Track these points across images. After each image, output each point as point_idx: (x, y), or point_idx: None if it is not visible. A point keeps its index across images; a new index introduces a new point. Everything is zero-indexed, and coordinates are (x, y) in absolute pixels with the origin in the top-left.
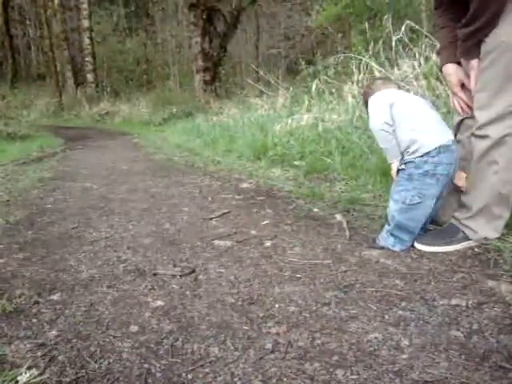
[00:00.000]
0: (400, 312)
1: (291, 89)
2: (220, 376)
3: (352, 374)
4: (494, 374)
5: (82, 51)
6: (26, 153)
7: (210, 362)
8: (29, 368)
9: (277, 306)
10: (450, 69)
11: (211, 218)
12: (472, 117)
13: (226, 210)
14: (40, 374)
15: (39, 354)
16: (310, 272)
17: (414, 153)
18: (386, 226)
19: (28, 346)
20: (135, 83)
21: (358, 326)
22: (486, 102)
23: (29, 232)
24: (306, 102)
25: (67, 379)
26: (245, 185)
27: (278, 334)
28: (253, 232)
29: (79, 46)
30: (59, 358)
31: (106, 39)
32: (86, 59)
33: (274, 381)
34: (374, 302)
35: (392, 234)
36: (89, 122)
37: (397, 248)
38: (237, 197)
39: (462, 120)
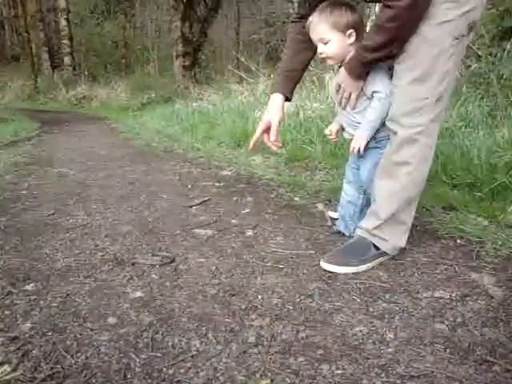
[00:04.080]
0: (384, 304)
1: (272, 76)
2: (202, 371)
3: (337, 369)
4: (478, 368)
5: (59, 33)
6: None
7: (192, 356)
8: (0, 364)
9: (259, 297)
10: (276, 104)
11: (191, 206)
12: None
13: (206, 198)
14: (13, 371)
15: (12, 348)
16: (293, 262)
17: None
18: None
19: (0, 339)
20: (113, 67)
21: (343, 318)
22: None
23: (2, 219)
24: None
25: (42, 375)
26: (225, 172)
27: (261, 326)
28: (234, 221)
29: (56, 27)
30: (33, 352)
31: (83, 21)
32: (63, 41)
33: (258, 376)
34: (357, 294)
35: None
36: (65, 106)
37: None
38: (217, 184)
39: None
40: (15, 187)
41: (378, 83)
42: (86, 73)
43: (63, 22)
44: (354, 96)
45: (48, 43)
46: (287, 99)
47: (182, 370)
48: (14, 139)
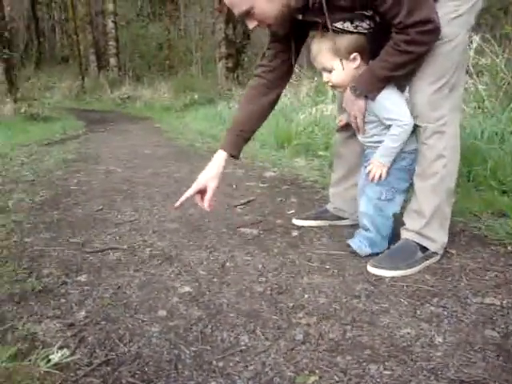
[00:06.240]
0: (432, 308)
1: (315, 78)
2: (251, 365)
3: (385, 370)
4: None
5: (106, 35)
6: (49, 134)
7: (241, 351)
8: (60, 348)
9: (306, 296)
10: (217, 166)
11: (236, 206)
12: None
13: (250, 198)
14: (71, 354)
15: (69, 334)
16: (339, 263)
17: None
18: (362, 231)
19: (58, 325)
20: (157, 68)
21: (390, 320)
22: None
23: (54, 212)
24: (331, 92)
25: (97, 361)
26: (269, 173)
27: (308, 324)
28: (279, 221)
29: (103, 29)
30: (89, 339)
31: (129, 24)
32: (110, 43)
33: (307, 372)
34: (405, 297)
35: (368, 238)
36: (110, 106)
37: (368, 250)
38: (261, 185)
39: None
40: (65, 183)
41: (394, 110)
42: (131, 73)
43: (110, 25)
44: (359, 120)
45: (95, 45)
46: (232, 156)
47: (231, 364)
48: (63, 137)
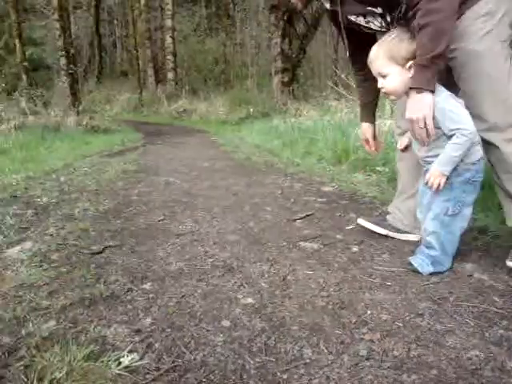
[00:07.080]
0: (501, 331)
1: None
2: (315, 379)
3: None
4: None
5: (164, 50)
6: (109, 145)
7: (305, 364)
8: (130, 352)
9: (369, 312)
10: (364, 127)
11: (295, 220)
12: None
13: (309, 212)
14: (140, 359)
15: (137, 339)
16: (401, 281)
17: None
18: (424, 249)
19: (126, 330)
20: (213, 82)
21: (456, 341)
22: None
23: (117, 221)
24: (388, 107)
25: (165, 366)
26: (326, 188)
27: (371, 341)
28: (338, 236)
29: (161, 44)
30: (156, 345)
31: (186, 39)
32: (168, 58)
33: None
34: (471, 318)
35: (430, 256)
36: (167, 119)
37: (430, 268)
38: (319, 199)
39: None
40: (126, 193)
41: (459, 119)
42: (187, 87)
43: (168, 40)
44: (429, 121)
45: (154, 59)
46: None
47: (295, 376)
48: (122, 148)
